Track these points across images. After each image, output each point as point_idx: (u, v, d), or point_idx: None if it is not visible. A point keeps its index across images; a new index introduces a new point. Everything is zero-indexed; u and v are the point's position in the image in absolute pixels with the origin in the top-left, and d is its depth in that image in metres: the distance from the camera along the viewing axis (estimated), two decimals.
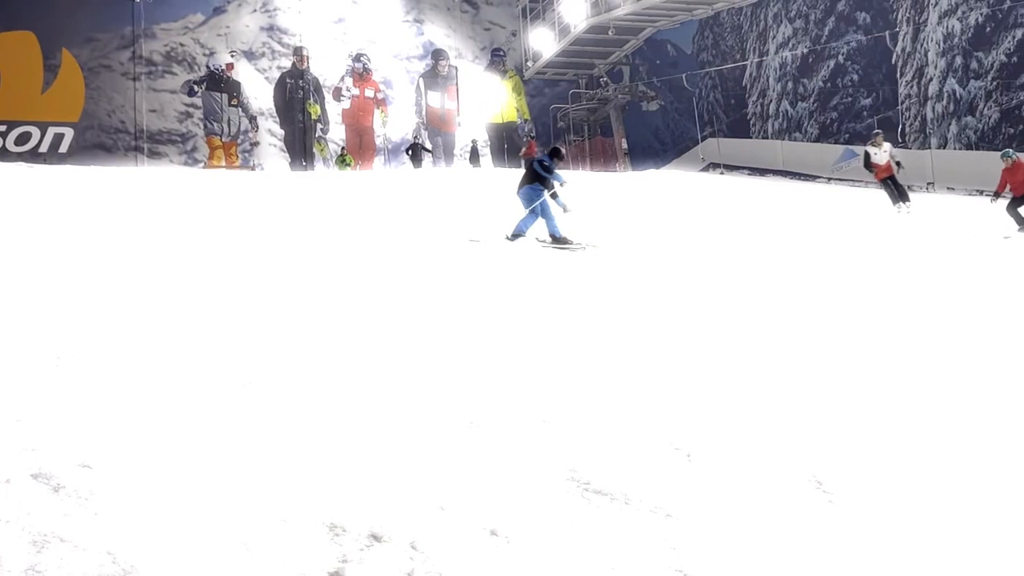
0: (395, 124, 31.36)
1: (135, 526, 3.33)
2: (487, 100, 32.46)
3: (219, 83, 28.36)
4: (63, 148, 26.89)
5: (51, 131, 27.06)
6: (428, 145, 30.16)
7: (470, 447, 4.46)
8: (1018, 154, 15.26)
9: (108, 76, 27.92)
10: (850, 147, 24.74)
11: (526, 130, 32.75)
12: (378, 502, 3.73)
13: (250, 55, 29.51)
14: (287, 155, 29.43)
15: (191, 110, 28.62)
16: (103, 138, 27.59)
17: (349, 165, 27.79)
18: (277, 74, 29.71)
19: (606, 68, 33.09)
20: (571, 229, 13.08)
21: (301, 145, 29.49)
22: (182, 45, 28.72)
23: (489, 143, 32.17)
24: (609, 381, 5.79)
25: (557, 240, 12.77)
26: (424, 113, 31.66)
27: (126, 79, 28.06)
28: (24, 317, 6.28)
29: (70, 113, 27.39)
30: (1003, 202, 15.20)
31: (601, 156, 32.82)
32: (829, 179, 25.10)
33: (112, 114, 27.86)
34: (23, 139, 26.69)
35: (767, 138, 27.94)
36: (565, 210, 13.01)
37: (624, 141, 32.57)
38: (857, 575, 3.58)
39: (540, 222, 13.07)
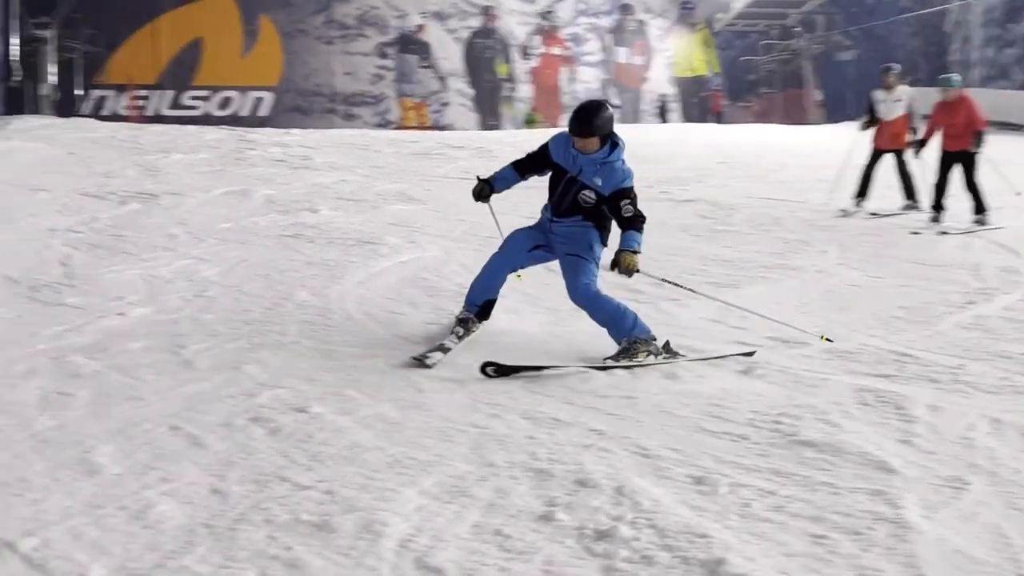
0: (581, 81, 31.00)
1: None
2: (676, 54, 31.75)
3: (410, 45, 28.59)
4: (263, 112, 27.66)
5: (251, 95, 27.88)
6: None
7: None
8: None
9: (303, 40, 28.52)
10: None
11: (715, 84, 31.95)
12: None
13: (440, 16, 29.60)
14: (476, 114, 29.47)
15: (383, 72, 28.97)
16: (299, 101, 28.26)
17: (537, 124, 27.58)
18: (466, 34, 29.75)
19: (799, 17, 31.80)
20: None
21: (490, 104, 29.54)
22: (374, 8, 28.99)
23: (679, 98, 31.49)
24: None
25: None
26: (612, 69, 31.20)
27: (320, 43, 28.62)
28: None
29: (268, 77, 28.12)
30: (930, 155, 10.55)
31: (792, 109, 31.70)
32: None
33: (308, 78, 28.48)
34: (224, 104, 27.57)
35: (969, 87, 26.34)
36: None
37: (818, 93, 31.35)
38: None
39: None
